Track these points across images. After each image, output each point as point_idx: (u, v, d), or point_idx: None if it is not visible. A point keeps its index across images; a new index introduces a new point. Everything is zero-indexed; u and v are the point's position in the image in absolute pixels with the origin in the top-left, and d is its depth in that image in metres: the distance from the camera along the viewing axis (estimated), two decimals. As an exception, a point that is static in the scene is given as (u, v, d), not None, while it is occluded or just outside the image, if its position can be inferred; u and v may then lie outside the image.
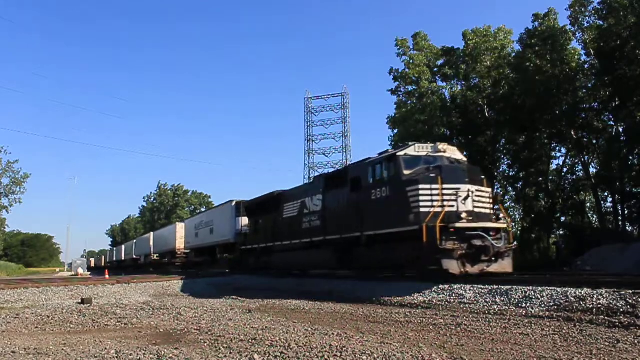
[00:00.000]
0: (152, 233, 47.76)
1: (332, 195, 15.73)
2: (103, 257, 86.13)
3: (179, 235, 36.80)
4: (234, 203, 26.17)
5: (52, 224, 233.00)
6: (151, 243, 45.07)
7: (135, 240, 57.87)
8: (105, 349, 5.58)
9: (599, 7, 25.20)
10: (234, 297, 13.79)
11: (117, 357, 5.14)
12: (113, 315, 9.15)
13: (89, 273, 50.74)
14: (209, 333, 6.81)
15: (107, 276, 27.80)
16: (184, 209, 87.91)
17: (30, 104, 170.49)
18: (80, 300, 12.47)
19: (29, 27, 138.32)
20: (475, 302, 9.30)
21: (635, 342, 5.53)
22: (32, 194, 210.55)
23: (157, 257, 43.25)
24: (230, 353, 5.32)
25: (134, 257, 52.08)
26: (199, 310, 9.87)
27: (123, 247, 64.04)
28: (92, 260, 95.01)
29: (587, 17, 26.07)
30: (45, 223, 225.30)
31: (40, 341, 6.47)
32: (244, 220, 24.58)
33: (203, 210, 73.35)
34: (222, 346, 5.72)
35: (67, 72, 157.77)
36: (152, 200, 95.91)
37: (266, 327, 7.22)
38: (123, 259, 59.95)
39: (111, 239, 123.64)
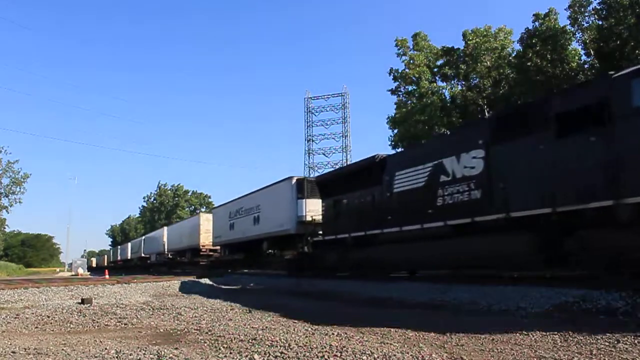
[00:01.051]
0: (166, 228, 42.62)
1: (511, 148, 10.00)
2: (105, 256, 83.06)
3: (204, 228, 31.46)
4: (294, 180, 19.92)
5: (52, 224, 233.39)
6: (165, 239, 40.12)
7: (143, 237, 53.29)
8: (105, 349, 5.58)
9: (598, 7, 25.21)
10: (233, 297, 13.79)
11: (117, 357, 5.15)
12: (113, 315, 9.16)
13: (89, 273, 50.68)
14: (209, 333, 6.81)
15: (107, 276, 27.80)
16: (184, 209, 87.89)
17: (30, 104, 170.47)
18: (80, 300, 12.47)
19: (29, 27, 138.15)
20: (475, 302, 9.29)
21: (635, 342, 5.53)
22: (32, 194, 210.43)
23: (171, 255, 39.01)
24: (230, 353, 5.33)
25: (143, 255, 48.26)
26: (199, 310, 9.87)
27: (129, 245, 60.09)
28: (94, 260, 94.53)
29: (586, 17, 26.08)
30: (45, 223, 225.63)
31: (40, 341, 6.47)
32: (311, 204, 18.96)
33: (203, 210, 73.00)
34: (222, 346, 5.73)
35: (67, 72, 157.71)
36: (152, 200, 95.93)
37: (266, 327, 7.22)
38: (129, 257, 56.36)
39: (111, 239, 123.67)
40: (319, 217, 18.22)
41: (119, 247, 73.08)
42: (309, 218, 18.92)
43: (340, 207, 16.09)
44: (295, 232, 19.41)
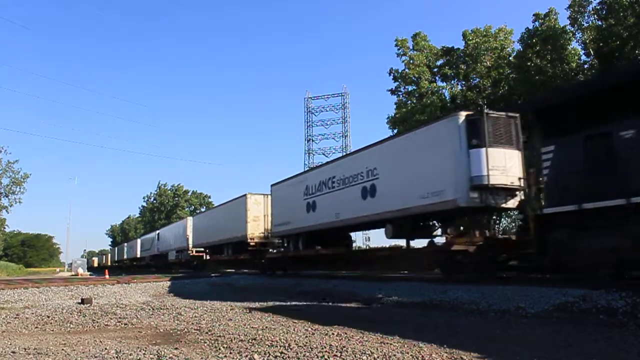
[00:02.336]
0: (190, 218, 35.86)
1: None
2: (109, 255, 76.86)
3: (252, 214, 23.30)
4: (461, 118, 11.91)
5: (52, 224, 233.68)
6: (189, 232, 33.46)
7: (158, 232, 46.17)
8: (105, 349, 5.59)
9: (598, 7, 25.22)
10: (233, 296, 13.79)
11: (117, 357, 5.15)
12: (113, 315, 9.16)
13: (89, 273, 50.62)
14: (209, 333, 6.81)
15: (107, 276, 27.79)
16: (183, 209, 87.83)
17: (30, 104, 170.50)
18: (80, 300, 12.48)
19: (28, 27, 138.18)
20: (474, 301, 9.30)
21: (635, 342, 5.53)
22: (32, 194, 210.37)
23: (196, 252, 32.63)
24: (230, 353, 5.33)
25: (156, 252, 42.55)
26: (199, 310, 9.87)
27: (138, 241, 53.77)
28: (95, 259, 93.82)
29: (586, 17, 26.10)
30: (45, 223, 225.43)
31: (40, 341, 6.48)
32: (496, 155, 11.35)
33: (203, 210, 72.38)
34: (222, 346, 5.73)
35: (67, 72, 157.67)
36: (152, 200, 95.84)
37: (266, 327, 7.23)
38: (139, 255, 50.73)
39: (111, 239, 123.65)
40: (510, 178, 11.39)
41: (125, 244, 65.19)
42: (495, 181, 11.29)
43: (597, 149, 8.56)
44: (466, 204, 11.58)
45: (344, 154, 56.66)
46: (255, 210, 23.59)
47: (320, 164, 20.82)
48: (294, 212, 19.80)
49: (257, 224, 23.53)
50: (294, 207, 19.72)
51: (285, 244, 21.84)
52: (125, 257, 58.28)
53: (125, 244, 63.43)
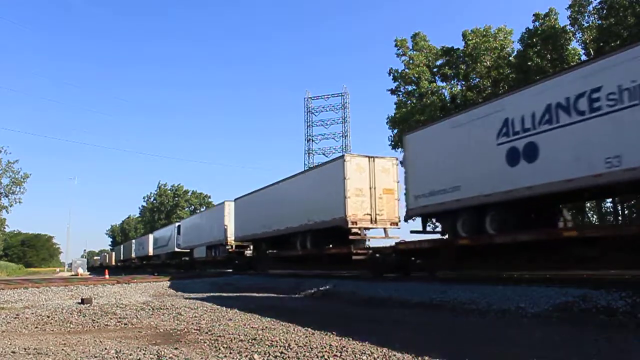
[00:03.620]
0: (230, 202, 27.10)
1: None
2: (112, 254, 71.27)
3: (354, 185, 16.18)
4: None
5: (52, 224, 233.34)
6: (227, 221, 26.86)
7: (178, 224, 39.30)
8: (105, 349, 5.59)
9: (599, 7, 25.24)
10: (234, 297, 13.80)
11: (117, 357, 5.15)
12: (113, 315, 9.16)
13: (89, 273, 50.56)
14: (209, 333, 6.81)
15: (107, 276, 27.80)
16: (183, 209, 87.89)
17: (30, 104, 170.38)
18: (80, 300, 12.48)
19: (28, 26, 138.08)
20: (474, 301, 9.30)
21: (635, 342, 5.53)
22: (32, 194, 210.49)
23: (236, 247, 26.92)
24: (230, 353, 5.33)
25: (176, 249, 36.92)
26: (198, 310, 9.87)
27: (150, 237, 47.10)
28: (97, 259, 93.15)
29: (587, 17, 26.12)
30: (45, 223, 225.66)
31: (40, 341, 6.47)
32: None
33: (202, 210, 71.91)
34: (222, 346, 5.73)
35: (67, 72, 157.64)
36: (152, 200, 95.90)
37: (266, 327, 7.23)
38: (151, 253, 45.04)
39: (111, 239, 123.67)
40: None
41: (133, 240, 57.90)
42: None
43: None
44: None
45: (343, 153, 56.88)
46: (358, 180, 16.21)
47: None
48: (445, 173, 12.45)
49: (361, 200, 16.05)
50: (476, 157, 11.71)
51: (447, 225, 13.24)
52: (133, 255, 52.34)
53: (134, 241, 56.89)
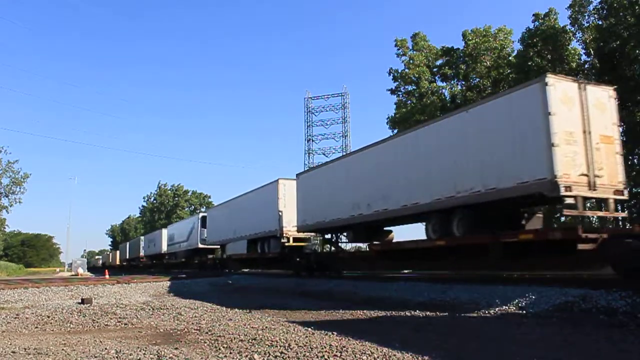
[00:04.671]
0: (284, 182, 21.29)
1: None
2: (116, 253, 65.48)
3: (562, 130, 9.69)
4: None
5: (52, 224, 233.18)
6: (281, 206, 20.81)
7: (203, 214, 33.62)
8: (105, 349, 5.59)
9: (599, 7, 25.23)
10: (234, 296, 13.80)
11: (117, 357, 5.15)
12: (113, 315, 9.16)
13: (89, 273, 50.50)
14: (209, 333, 6.81)
15: (107, 276, 27.80)
16: (183, 209, 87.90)
17: (30, 104, 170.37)
18: (80, 300, 12.48)
19: (27, 26, 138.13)
20: (475, 301, 9.30)
21: (635, 342, 5.53)
22: (32, 194, 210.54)
23: (294, 240, 20.70)
24: (230, 353, 5.33)
25: (200, 245, 31.27)
26: (198, 310, 9.88)
27: (164, 232, 41.03)
28: (99, 258, 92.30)
29: (587, 17, 26.11)
30: (45, 223, 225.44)
31: (40, 341, 6.47)
32: None
33: (203, 210, 71.58)
34: (222, 346, 5.73)
35: (67, 72, 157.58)
36: (152, 200, 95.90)
37: (266, 327, 7.22)
38: (164, 251, 39.88)
39: (111, 239, 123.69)
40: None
41: (142, 237, 51.71)
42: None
43: None
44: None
45: (343, 153, 56.86)
46: (567, 119, 10.03)
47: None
48: None
49: (573, 152, 9.89)
50: None
51: None
52: (142, 254, 47.15)
53: (142, 237, 50.94)
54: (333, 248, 19.50)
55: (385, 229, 16.48)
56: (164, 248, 40.04)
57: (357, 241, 18.48)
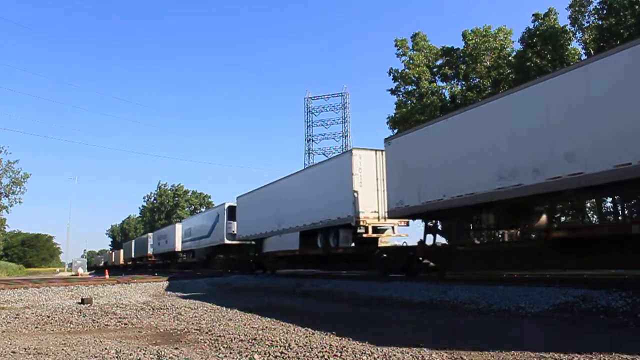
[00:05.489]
0: (359, 153, 16.25)
1: None
2: (120, 252, 60.05)
3: None
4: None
5: (52, 224, 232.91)
6: (356, 185, 15.64)
7: (229, 204, 26.92)
8: (105, 349, 5.59)
9: (599, 7, 25.23)
10: (234, 296, 13.80)
11: (117, 357, 5.15)
12: (113, 315, 9.16)
13: (88, 273, 50.45)
14: (209, 333, 6.81)
15: (107, 276, 27.80)
16: (183, 209, 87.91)
17: (30, 104, 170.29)
18: (80, 300, 12.47)
19: (27, 25, 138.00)
20: (475, 301, 9.30)
21: (635, 342, 5.53)
22: (32, 194, 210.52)
23: (373, 231, 15.97)
24: (230, 353, 5.33)
25: (227, 241, 26.51)
26: (199, 310, 9.88)
27: (178, 227, 36.10)
28: (100, 258, 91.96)
29: (587, 17, 26.11)
30: (45, 223, 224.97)
31: (40, 341, 6.47)
32: None
33: (203, 210, 71.12)
34: (222, 346, 5.73)
35: (67, 72, 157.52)
36: (152, 200, 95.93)
37: (266, 327, 7.23)
38: (178, 249, 35.00)
39: (111, 239, 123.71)
40: None
41: (150, 234, 46.96)
42: None
43: None
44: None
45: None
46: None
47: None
48: None
49: None
50: None
51: None
52: (149, 252, 42.75)
53: (150, 234, 46.36)
54: (444, 240, 14.49)
55: (536, 209, 11.81)
56: (178, 245, 34.80)
57: (498, 227, 13.65)
